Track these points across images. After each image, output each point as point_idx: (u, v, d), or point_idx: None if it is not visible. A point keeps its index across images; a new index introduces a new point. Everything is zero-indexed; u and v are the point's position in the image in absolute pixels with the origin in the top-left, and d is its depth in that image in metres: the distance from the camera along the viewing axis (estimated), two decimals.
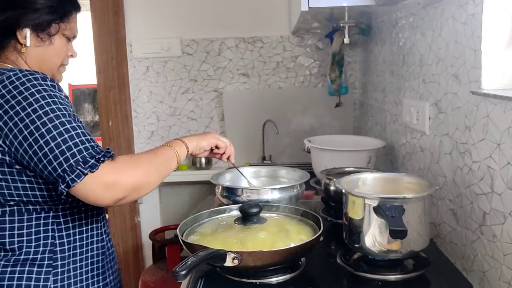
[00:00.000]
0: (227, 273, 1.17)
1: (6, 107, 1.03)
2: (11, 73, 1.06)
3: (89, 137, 1.06)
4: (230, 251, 1.06)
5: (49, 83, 1.07)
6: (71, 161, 1.01)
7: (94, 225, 1.23)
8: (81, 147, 1.02)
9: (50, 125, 1.02)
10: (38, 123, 1.02)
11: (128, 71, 2.70)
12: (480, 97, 1.13)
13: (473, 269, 1.19)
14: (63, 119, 1.04)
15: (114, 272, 1.30)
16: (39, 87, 1.05)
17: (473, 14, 1.16)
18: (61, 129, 1.02)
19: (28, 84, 1.04)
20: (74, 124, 1.05)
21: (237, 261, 1.06)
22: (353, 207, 1.17)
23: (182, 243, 1.18)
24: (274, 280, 1.14)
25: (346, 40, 1.87)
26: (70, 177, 1.00)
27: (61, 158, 1.01)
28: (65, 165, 1.01)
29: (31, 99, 1.03)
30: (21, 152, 1.03)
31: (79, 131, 1.04)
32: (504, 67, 1.11)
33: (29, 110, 1.02)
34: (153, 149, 1.19)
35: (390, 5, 1.53)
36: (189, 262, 1.00)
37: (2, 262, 1.12)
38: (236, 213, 1.34)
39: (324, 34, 2.59)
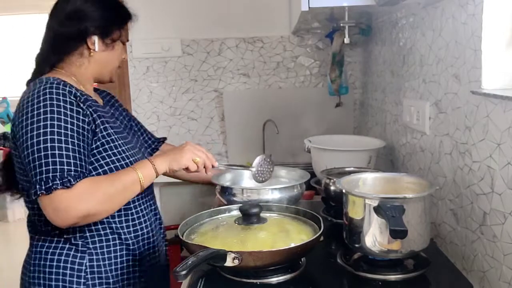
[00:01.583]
0: (228, 273, 1.17)
1: (24, 112, 1.18)
2: (41, 85, 1.21)
3: (67, 160, 1.14)
4: (230, 251, 1.06)
5: (68, 99, 1.19)
6: (37, 177, 1.12)
7: (128, 212, 1.32)
8: (50, 167, 1.12)
9: (42, 138, 1.14)
10: (41, 131, 1.14)
11: (128, 71, 2.70)
12: (480, 97, 1.13)
13: (473, 269, 1.19)
14: (55, 136, 1.14)
15: (152, 253, 1.38)
16: (55, 102, 1.18)
17: (473, 14, 1.16)
18: (47, 145, 1.13)
19: (47, 96, 1.18)
20: (62, 145, 1.14)
21: (237, 261, 1.06)
22: (353, 207, 1.17)
23: (182, 243, 1.18)
24: (274, 280, 1.14)
25: (346, 40, 1.87)
26: (33, 190, 1.12)
27: (33, 171, 1.13)
28: (33, 179, 1.13)
29: (41, 109, 1.16)
30: (20, 152, 1.18)
31: (62, 152, 1.14)
32: (504, 67, 1.11)
33: (37, 117, 1.16)
34: (117, 174, 1.23)
35: (391, 5, 1.53)
36: (190, 262, 1.00)
37: (46, 244, 1.28)
38: (236, 213, 1.34)
39: (324, 34, 2.59)
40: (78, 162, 1.16)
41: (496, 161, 1.06)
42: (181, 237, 1.19)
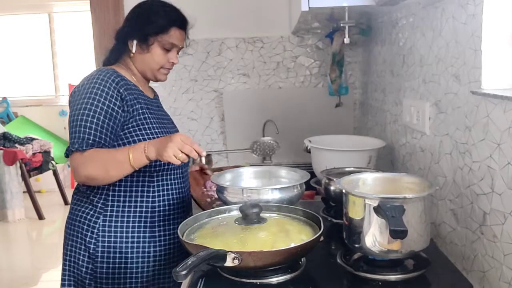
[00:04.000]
0: (227, 273, 1.17)
1: (77, 90, 1.48)
2: (96, 73, 1.49)
3: (89, 131, 1.41)
4: (230, 251, 1.06)
5: (107, 85, 1.46)
6: (69, 141, 1.44)
7: (145, 189, 1.52)
8: (76, 134, 1.42)
9: (77, 111, 1.43)
10: (79, 106, 1.44)
11: None
12: (480, 97, 1.13)
13: (473, 269, 1.19)
14: (85, 111, 1.42)
15: (168, 229, 1.56)
16: (95, 84, 1.45)
17: (473, 14, 1.16)
18: (79, 117, 1.42)
19: (93, 81, 1.46)
20: (89, 118, 1.41)
21: (237, 261, 1.06)
22: (353, 207, 1.17)
23: (182, 243, 1.18)
24: (274, 280, 1.14)
25: (346, 40, 1.87)
26: (66, 150, 1.45)
27: (69, 136, 1.44)
28: (68, 141, 1.45)
29: (85, 90, 1.46)
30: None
31: (87, 124, 1.41)
32: (504, 67, 1.11)
33: (81, 95, 1.45)
34: (115, 150, 1.44)
35: (390, 5, 1.53)
36: (190, 262, 1.00)
37: (78, 197, 1.56)
38: (236, 213, 1.34)
39: (324, 34, 2.59)
40: (98, 133, 1.42)
41: (496, 161, 1.06)
42: (181, 237, 1.19)
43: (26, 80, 6.48)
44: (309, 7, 1.58)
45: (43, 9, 6.33)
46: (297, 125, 2.63)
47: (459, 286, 1.13)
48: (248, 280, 1.14)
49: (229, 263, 1.07)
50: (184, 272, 0.98)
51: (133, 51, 1.55)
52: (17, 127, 5.84)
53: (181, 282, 1.15)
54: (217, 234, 1.21)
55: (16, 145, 5.03)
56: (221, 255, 1.06)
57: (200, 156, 1.37)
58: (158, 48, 1.55)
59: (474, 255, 1.19)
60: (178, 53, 1.62)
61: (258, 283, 1.13)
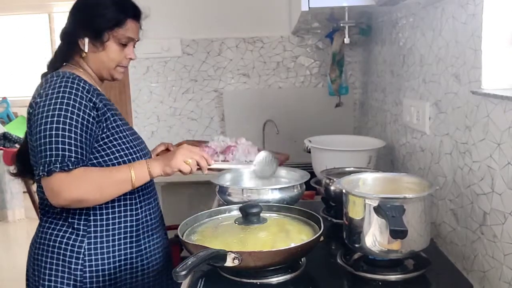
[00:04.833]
0: (227, 273, 1.17)
1: (41, 100, 1.29)
2: (58, 78, 1.33)
3: (69, 147, 1.24)
4: (230, 251, 1.06)
5: (79, 93, 1.30)
6: (42, 160, 1.24)
7: (128, 202, 1.40)
8: (53, 152, 1.23)
9: (49, 126, 1.25)
10: (49, 120, 1.25)
11: (128, 71, 2.70)
12: (480, 97, 1.13)
13: (473, 269, 1.19)
14: (60, 125, 1.25)
15: (152, 240, 1.46)
16: (65, 94, 1.28)
17: (473, 14, 1.16)
18: (53, 132, 1.24)
19: (61, 89, 1.29)
20: (66, 133, 1.25)
21: (237, 261, 1.06)
22: (353, 207, 1.17)
23: (182, 243, 1.18)
24: (274, 280, 1.14)
25: (346, 40, 1.87)
26: (37, 171, 1.25)
27: (39, 154, 1.25)
28: (39, 160, 1.25)
29: (53, 101, 1.28)
30: (33, 135, 1.28)
31: (65, 139, 1.25)
32: (505, 67, 1.11)
33: (49, 107, 1.27)
34: (112, 168, 1.33)
35: (390, 5, 1.53)
36: (189, 263, 1.00)
37: (52, 225, 1.38)
38: (236, 213, 1.34)
39: (324, 34, 2.59)
40: (79, 150, 1.26)
41: (496, 161, 1.06)
42: (181, 237, 1.19)
43: (26, 80, 6.47)
44: (309, 7, 1.58)
45: (43, 9, 6.33)
46: (297, 125, 2.63)
47: (459, 286, 1.13)
48: (248, 280, 1.14)
49: (229, 263, 1.06)
50: (184, 272, 0.97)
51: (86, 50, 1.38)
52: (17, 127, 5.83)
53: (181, 282, 1.15)
54: (217, 234, 1.21)
55: (16, 145, 5.03)
56: (221, 255, 1.06)
57: (208, 165, 1.38)
58: (113, 44, 1.40)
59: (474, 255, 1.18)
60: (134, 47, 1.48)
61: (258, 283, 1.13)
